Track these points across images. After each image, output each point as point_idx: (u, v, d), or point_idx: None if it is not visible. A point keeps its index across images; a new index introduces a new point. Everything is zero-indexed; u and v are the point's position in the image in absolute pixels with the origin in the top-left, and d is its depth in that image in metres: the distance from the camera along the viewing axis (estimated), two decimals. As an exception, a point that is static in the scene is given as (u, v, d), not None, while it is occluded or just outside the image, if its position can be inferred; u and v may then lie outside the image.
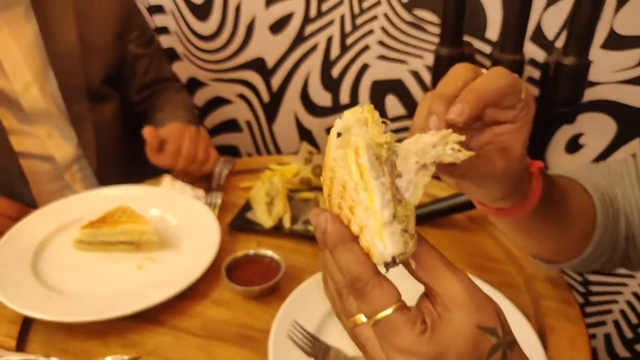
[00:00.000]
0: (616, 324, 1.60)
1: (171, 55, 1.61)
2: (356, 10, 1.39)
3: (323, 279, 0.51)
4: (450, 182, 0.62)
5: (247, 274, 0.98)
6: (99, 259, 1.03)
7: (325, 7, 1.41)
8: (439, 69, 1.19)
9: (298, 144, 1.63)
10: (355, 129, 0.44)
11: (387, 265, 0.43)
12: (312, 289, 0.92)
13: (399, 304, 0.43)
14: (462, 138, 0.44)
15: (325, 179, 0.46)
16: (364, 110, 0.45)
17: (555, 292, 0.95)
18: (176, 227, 1.09)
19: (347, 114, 0.45)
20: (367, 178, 0.42)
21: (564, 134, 1.36)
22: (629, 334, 1.59)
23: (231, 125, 1.68)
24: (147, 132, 1.16)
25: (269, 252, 0.99)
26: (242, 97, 1.62)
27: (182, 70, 1.62)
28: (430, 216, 1.08)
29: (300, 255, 1.05)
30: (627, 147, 1.32)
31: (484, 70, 0.52)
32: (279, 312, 0.87)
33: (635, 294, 1.52)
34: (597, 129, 1.32)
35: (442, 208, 1.07)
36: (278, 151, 1.68)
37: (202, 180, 1.26)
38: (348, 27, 1.42)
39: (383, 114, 1.52)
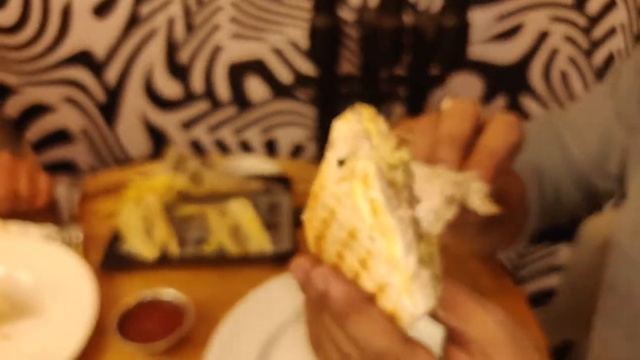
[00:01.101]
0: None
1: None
2: (200, -16, 1.20)
3: (312, 341, 0.42)
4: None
5: (147, 325, 0.78)
6: None
7: (161, -18, 1.19)
8: (316, 42, 1.08)
9: (149, 145, 1.40)
10: (361, 152, 0.32)
11: None
12: (238, 326, 0.77)
13: None
14: (486, 189, 0.39)
15: (313, 219, 0.35)
16: (363, 117, 0.33)
17: (488, 269, 0.91)
18: (32, 285, 0.84)
19: (339, 125, 0.33)
20: (384, 215, 0.31)
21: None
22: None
23: (61, 136, 1.37)
24: None
25: (170, 292, 0.80)
26: (69, 100, 1.33)
27: (-22, 75, 1.27)
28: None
29: (203, 285, 0.88)
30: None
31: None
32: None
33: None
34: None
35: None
36: (127, 158, 1.43)
37: (46, 213, 0.99)
38: (192, 5, 1.22)
39: (244, 98, 1.36)
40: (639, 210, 0.62)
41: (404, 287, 0.32)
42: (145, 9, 1.22)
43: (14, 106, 1.32)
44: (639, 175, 0.63)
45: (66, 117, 1.35)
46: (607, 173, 0.70)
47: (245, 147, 1.44)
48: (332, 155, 0.33)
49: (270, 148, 1.45)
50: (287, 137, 1.44)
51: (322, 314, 0.37)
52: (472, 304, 0.36)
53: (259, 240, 0.91)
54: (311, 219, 0.36)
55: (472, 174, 0.41)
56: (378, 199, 0.31)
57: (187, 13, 1.24)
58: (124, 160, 1.43)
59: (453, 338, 0.37)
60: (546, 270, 1.61)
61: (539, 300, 1.58)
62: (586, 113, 0.72)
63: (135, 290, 0.82)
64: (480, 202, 0.39)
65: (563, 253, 1.57)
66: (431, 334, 0.38)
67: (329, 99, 1.26)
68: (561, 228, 1.49)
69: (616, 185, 0.72)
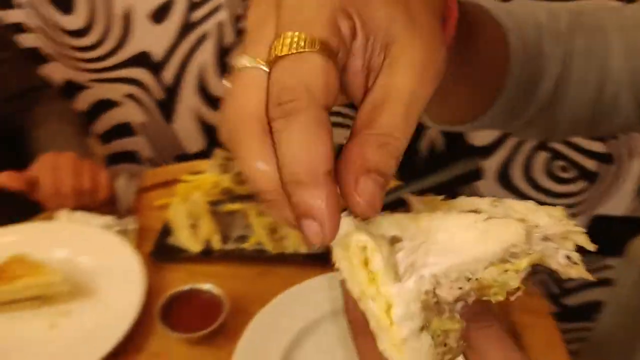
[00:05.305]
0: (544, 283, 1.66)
1: (37, 57, 1.37)
2: (246, -11, 1.26)
3: None
4: None
5: (186, 315, 0.86)
6: (-3, 322, 0.85)
7: (210, -10, 1.26)
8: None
9: (203, 142, 1.49)
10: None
11: None
12: (270, 322, 0.83)
13: None
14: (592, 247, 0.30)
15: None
16: None
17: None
18: (90, 269, 0.93)
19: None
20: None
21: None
22: (555, 289, 1.67)
23: (124, 130, 1.49)
24: (5, 179, 0.98)
25: (207, 286, 0.88)
26: (131, 97, 1.43)
27: (55, 73, 1.39)
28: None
29: (240, 280, 0.94)
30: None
31: None
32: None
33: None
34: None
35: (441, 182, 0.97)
36: (183, 153, 1.52)
37: (105, 205, 1.09)
38: (239, 9, 1.29)
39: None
40: None
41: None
42: (196, 15, 1.30)
43: (83, 101, 1.44)
44: None
45: (128, 112, 1.45)
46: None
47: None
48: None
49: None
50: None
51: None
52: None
53: (294, 241, 0.97)
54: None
55: (573, 227, 0.30)
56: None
57: (235, 18, 1.30)
58: (180, 154, 1.52)
59: None
60: (592, 283, 1.57)
61: (584, 313, 1.54)
62: None
63: (180, 281, 0.89)
64: (569, 264, 0.30)
65: (611, 267, 1.52)
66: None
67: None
68: (610, 242, 1.44)
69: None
